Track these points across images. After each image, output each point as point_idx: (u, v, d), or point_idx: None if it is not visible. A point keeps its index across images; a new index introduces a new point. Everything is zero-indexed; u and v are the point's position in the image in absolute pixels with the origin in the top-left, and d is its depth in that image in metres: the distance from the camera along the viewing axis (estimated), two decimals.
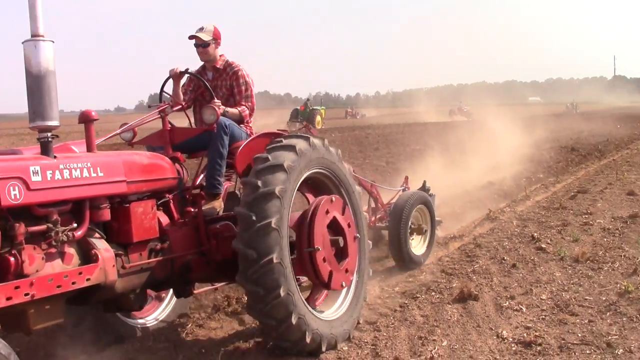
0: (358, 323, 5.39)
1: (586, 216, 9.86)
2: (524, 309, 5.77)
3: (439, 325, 5.45)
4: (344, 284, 5.26)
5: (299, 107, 48.78)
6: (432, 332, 5.28)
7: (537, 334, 5.12)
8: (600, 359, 4.63)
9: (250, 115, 5.89)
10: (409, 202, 7.64)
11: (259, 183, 4.59)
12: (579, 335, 5.09)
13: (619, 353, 4.70)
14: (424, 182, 8.79)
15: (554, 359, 4.68)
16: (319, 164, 5.19)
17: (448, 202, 11.96)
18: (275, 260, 4.48)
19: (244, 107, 5.81)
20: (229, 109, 5.65)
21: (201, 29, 5.82)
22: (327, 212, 5.10)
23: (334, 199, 5.21)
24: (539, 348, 4.86)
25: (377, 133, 29.75)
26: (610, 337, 4.99)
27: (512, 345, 4.98)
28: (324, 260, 5.02)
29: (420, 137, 24.56)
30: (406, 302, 6.17)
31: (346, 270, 5.27)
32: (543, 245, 7.99)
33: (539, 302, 5.93)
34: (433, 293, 6.37)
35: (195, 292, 5.48)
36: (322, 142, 5.29)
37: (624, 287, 6.08)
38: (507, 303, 5.94)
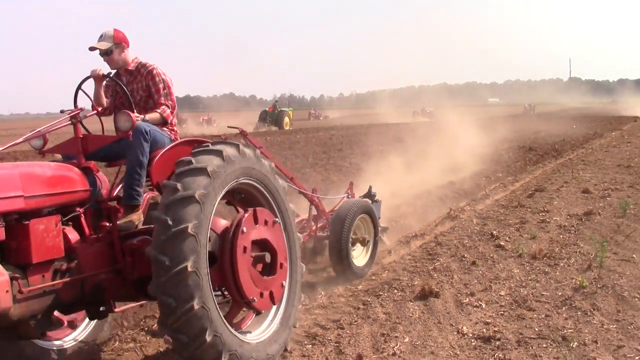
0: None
1: (543, 214, 10.09)
2: (484, 305, 5.90)
3: (401, 322, 5.55)
4: (284, 283, 5.02)
5: (267, 109, 48.98)
6: (395, 329, 5.37)
7: (495, 329, 5.26)
8: (556, 352, 4.76)
9: (172, 114, 5.47)
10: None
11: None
12: (536, 329, 5.23)
13: (573, 346, 4.85)
14: (370, 187, 8.58)
15: (512, 353, 4.80)
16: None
17: (410, 201, 12.16)
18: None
19: (164, 107, 5.37)
20: (148, 116, 5.21)
21: (100, 37, 5.38)
22: (245, 250, 4.64)
23: (245, 229, 4.64)
24: (497, 343, 4.98)
25: (341, 134, 29.91)
26: (565, 331, 5.14)
27: (472, 340, 5.10)
28: (262, 295, 4.72)
29: (383, 138, 24.78)
30: (369, 299, 6.26)
31: (281, 266, 4.96)
32: (502, 243, 8.17)
33: (498, 298, 6.08)
34: (395, 291, 6.47)
35: (117, 310, 5.05)
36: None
37: (578, 283, 6.26)
38: (467, 299, 6.07)
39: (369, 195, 8.43)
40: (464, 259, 7.56)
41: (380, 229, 8.35)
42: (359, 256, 7.58)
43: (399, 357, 4.85)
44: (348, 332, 5.38)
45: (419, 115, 57.07)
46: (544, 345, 4.90)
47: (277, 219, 5.04)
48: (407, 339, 5.16)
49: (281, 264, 4.97)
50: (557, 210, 10.37)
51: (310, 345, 5.16)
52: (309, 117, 71.77)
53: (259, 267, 4.82)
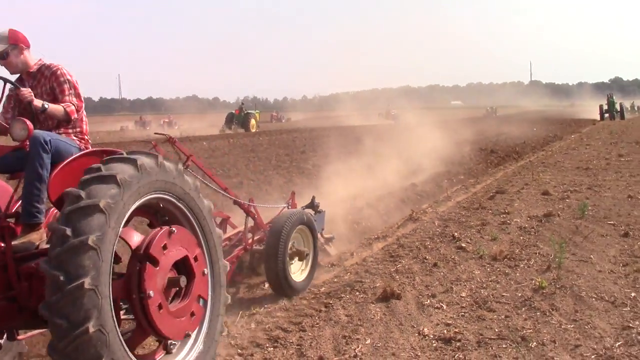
0: None
1: (504, 216, 10.21)
2: (445, 307, 5.93)
3: (363, 324, 5.54)
4: (205, 271, 4.56)
5: (234, 111, 48.96)
6: (356, 331, 5.36)
7: (456, 330, 5.29)
8: (515, 353, 4.80)
9: (78, 113, 4.90)
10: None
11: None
12: (496, 330, 5.28)
13: (532, 346, 4.90)
14: (313, 197, 8.22)
15: (472, 353, 4.83)
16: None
17: (372, 203, 12.18)
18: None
19: (68, 103, 4.80)
20: (50, 105, 4.68)
21: None
22: (161, 306, 4.11)
23: (151, 293, 4.02)
24: (458, 344, 5.01)
25: (304, 136, 29.97)
26: (525, 332, 5.19)
27: (433, 341, 5.11)
28: (192, 315, 4.36)
29: (346, 140, 24.82)
30: (331, 302, 6.24)
31: (195, 259, 4.46)
32: (463, 245, 8.24)
33: (459, 300, 6.12)
34: (357, 293, 6.46)
35: (20, 337, 4.60)
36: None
37: (538, 283, 6.34)
38: (429, 301, 6.10)
39: (312, 205, 8.12)
40: (425, 260, 7.60)
41: (325, 239, 8.24)
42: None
43: (360, 358, 4.84)
44: (310, 334, 5.36)
45: (383, 117, 57.55)
46: (504, 346, 4.94)
47: (173, 229, 4.33)
48: (368, 341, 5.15)
49: (195, 257, 4.45)
50: (518, 212, 10.50)
51: (272, 348, 5.13)
52: (271, 119, 71.97)
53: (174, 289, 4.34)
